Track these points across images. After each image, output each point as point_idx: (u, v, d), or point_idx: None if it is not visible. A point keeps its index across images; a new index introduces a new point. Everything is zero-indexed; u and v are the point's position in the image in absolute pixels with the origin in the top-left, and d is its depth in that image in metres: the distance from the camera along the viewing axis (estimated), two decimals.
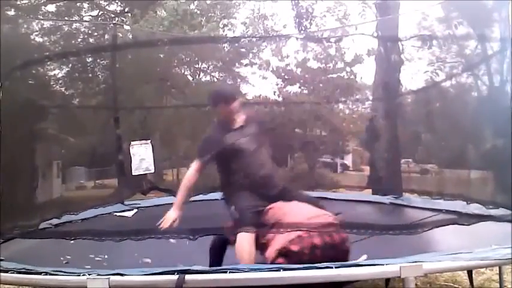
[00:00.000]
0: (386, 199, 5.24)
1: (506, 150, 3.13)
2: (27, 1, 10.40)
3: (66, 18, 11.10)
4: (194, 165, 2.72)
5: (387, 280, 2.66)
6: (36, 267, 2.17)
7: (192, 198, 3.52)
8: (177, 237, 2.71)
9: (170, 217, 2.60)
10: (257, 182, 2.62)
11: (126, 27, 8.57)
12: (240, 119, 2.75)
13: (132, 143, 4.46)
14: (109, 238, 2.51)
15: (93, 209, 4.44)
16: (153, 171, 4.39)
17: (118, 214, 4.01)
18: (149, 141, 4.58)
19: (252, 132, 2.73)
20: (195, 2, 10.40)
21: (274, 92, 11.58)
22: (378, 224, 2.72)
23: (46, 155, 11.07)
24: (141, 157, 4.38)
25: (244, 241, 2.43)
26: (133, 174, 4.33)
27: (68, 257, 3.00)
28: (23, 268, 2.18)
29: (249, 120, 2.77)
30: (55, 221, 3.76)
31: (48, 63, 8.73)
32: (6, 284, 2.26)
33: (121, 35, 6.55)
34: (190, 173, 2.72)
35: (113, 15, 11.91)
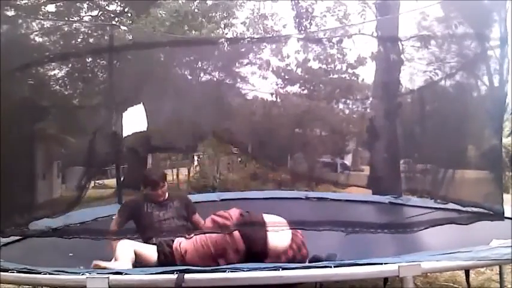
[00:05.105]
0: (386, 199, 5.26)
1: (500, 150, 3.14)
2: (27, 1, 10.40)
3: (66, 18, 11.10)
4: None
5: (385, 280, 2.66)
6: (36, 267, 2.17)
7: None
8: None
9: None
10: None
11: (124, 27, 8.54)
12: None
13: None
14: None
15: (92, 210, 4.45)
16: (145, 129, 4.31)
17: None
18: (141, 103, 4.49)
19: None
20: (195, 3, 10.37)
21: (272, 94, 11.53)
22: (374, 222, 2.72)
23: (46, 155, 11.05)
24: (133, 117, 4.27)
25: None
26: (124, 135, 4.24)
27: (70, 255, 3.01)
28: (24, 268, 2.18)
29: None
30: (54, 225, 3.74)
31: (48, 63, 8.71)
32: (7, 284, 2.26)
33: (119, 36, 6.51)
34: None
35: (112, 15, 11.91)
